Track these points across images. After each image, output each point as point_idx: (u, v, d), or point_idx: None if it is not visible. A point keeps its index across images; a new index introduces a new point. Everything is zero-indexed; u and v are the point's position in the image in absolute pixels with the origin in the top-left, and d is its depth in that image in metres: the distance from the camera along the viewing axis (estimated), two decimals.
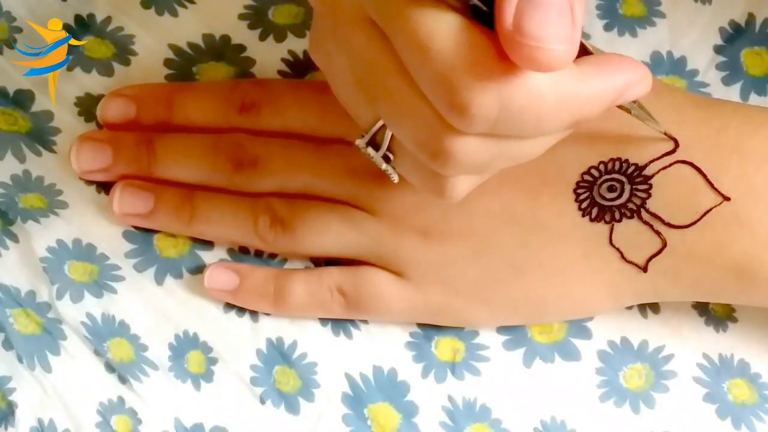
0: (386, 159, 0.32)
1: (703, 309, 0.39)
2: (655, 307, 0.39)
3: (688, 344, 0.39)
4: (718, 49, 0.41)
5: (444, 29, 0.25)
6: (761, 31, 0.41)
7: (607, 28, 0.41)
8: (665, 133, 0.35)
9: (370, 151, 0.32)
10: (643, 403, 0.38)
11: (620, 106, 0.32)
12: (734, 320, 0.39)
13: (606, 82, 0.28)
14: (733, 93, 0.40)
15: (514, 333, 0.39)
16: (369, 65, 0.28)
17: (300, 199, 0.39)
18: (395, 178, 0.33)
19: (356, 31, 0.28)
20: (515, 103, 0.25)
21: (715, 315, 0.39)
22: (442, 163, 0.28)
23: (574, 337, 0.39)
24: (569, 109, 0.27)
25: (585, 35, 0.41)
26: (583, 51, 0.28)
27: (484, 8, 0.25)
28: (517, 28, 0.24)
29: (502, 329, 0.39)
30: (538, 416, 0.38)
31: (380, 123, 0.31)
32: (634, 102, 0.32)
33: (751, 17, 0.41)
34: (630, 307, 0.39)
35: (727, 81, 0.41)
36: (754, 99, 0.40)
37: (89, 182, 0.41)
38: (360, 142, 0.32)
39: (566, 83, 0.26)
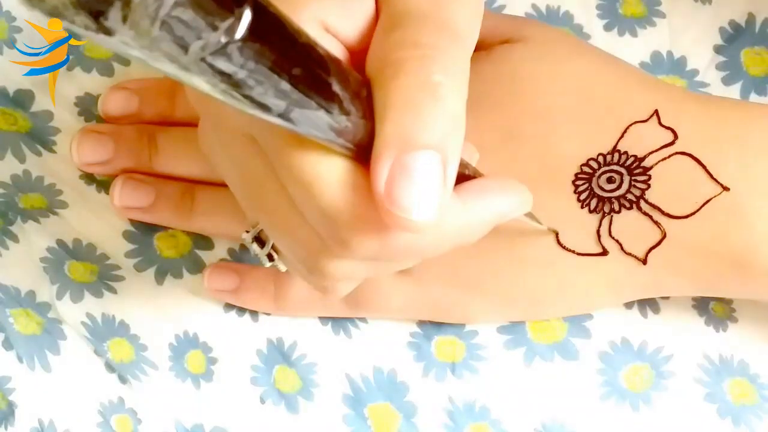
0: (270, 257, 0.33)
1: (703, 309, 0.39)
2: (655, 307, 0.39)
3: (688, 344, 0.38)
4: (718, 49, 0.41)
5: (328, 173, 0.24)
6: (761, 31, 0.41)
7: (607, 28, 0.41)
8: (549, 228, 0.35)
9: (255, 247, 0.33)
10: (643, 403, 0.38)
11: None
12: (734, 320, 0.39)
13: (486, 209, 0.28)
14: (733, 93, 0.40)
15: (513, 333, 0.39)
16: (249, 178, 0.28)
17: None
18: (282, 269, 0.33)
19: (237, 142, 0.28)
20: (395, 243, 0.26)
21: (715, 315, 0.39)
22: (319, 278, 0.28)
23: (574, 336, 0.39)
24: (450, 239, 0.27)
25: (585, 35, 0.41)
26: (464, 174, 0.28)
27: (355, 152, 0.24)
28: (388, 196, 0.23)
29: (502, 329, 0.39)
30: (538, 416, 0.38)
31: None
32: None
33: (751, 17, 0.41)
34: (630, 307, 0.39)
35: (727, 81, 0.41)
36: (754, 99, 0.40)
37: (89, 182, 0.41)
38: (246, 237, 0.33)
39: (446, 217, 0.26)
